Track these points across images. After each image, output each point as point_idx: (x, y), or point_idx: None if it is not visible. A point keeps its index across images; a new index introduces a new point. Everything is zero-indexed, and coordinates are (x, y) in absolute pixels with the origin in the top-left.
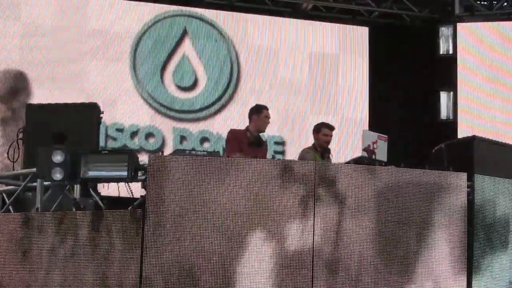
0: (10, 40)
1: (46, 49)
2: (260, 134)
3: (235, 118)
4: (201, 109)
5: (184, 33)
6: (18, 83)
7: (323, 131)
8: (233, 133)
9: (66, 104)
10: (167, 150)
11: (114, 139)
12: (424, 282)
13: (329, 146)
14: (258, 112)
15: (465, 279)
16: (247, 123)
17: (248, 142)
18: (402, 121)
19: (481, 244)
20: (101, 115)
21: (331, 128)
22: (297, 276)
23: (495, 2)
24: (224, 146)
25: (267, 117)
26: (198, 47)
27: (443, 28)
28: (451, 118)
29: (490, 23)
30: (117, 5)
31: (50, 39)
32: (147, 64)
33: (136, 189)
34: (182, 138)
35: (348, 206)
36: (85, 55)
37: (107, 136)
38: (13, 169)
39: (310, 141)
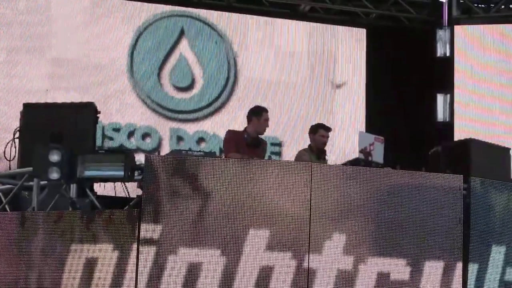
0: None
1: (41, 49)
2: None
3: (232, 118)
4: (198, 110)
5: (182, 33)
6: None
7: (319, 132)
8: (231, 134)
9: (62, 104)
10: (164, 150)
11: (111, 138)
12: (420, 284)
13: (326, 147)
14: (258, 115)
15: (461, 281)
16: (244, 123)
17: (246, 143)
18: (399, 123)
19: (477, 247)
20: (98, 115)
21: (328, 129)
22: (295, 275)
23: (493, 5)
24: (221, 147)
25: (267, 120)
26: (195, 48)
27: (440, 30)
28: (447, 120)
29: (487, 25)
30: (115, 4)
31: (46, 39)
32: (145, 64)
33: (133, 189)
34: (179, 138)
35: (344, 207)
36: (82, 54)
37: (103, 135)
38: (9, 168)
39: (306, 142)
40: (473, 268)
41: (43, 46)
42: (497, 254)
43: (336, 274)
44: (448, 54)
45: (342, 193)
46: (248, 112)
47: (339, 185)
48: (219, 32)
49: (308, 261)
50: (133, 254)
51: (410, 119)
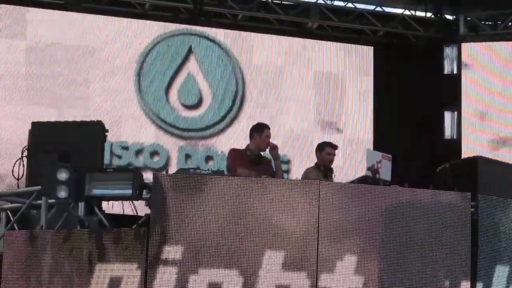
0: (16, 55)
1: (51, 68)
2: (261, 152)
3: (239, 137)
4: (206, 128)
5: (190, 51)
6: None
7: (326, 150)
8: (233, 152)
9: (70, 122)
10: (172, 168)
11: (119, 157)
12: None
13: (333, 165)
14: (259, 132)
15: None
16: None
17: (249, 160)
18: (406, 141)
19: (486, 264)
20: (106, 133)
21: (335, 147)
22: None
23: (500, 22)
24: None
25: (268, 136)
26: (203, 66)
27: (447, 48)
28: (455, 137)
29: (494, 43)
30: (123, 23)
31: (56, 58)
32: (152, 82)
33: (141, 207)
34: (187, 157)
35: (352, 226)
36: (90, 73)
37: (111, 154)
38: (18, 187)
39: (314, 160)
40: (481, 286)
41: (53, 71)
42: (502, 272)
43: None
44: (455, 72)
45: (350, 211)
46: (250, 129)
47: (347, 203)
48: (227, 50)
49: (317, 278)
50: (142, 273)
51: (417, 137)
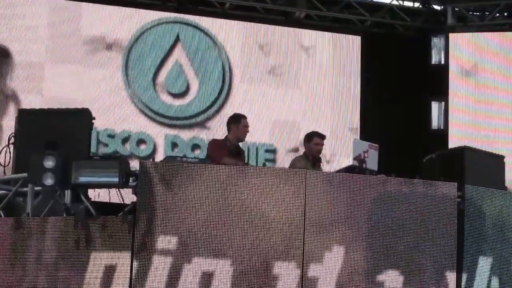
0: None
1: (38, 52)
2: (239, 143)
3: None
4: (193, 116)
5: (177, 40)
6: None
7: (314, 140)
8: (214, 142)
9: (57, 110)
10: (159, 157)
11: (106, 145)
12: None
13: (320, 155)
14: (237, 122)
15: None
16: None
17: (228, 151)
18: (393, 131)
19: (472, 254)
20: (93, 121)
21: (323, 137)
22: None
23: (487, 13)
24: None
25: (246, 126)
26: (190, 54)
27: (435, 38)
28: (442, 127)
29: (482, 33)
30: (110, 12)
31: (43, 43)
32: (139, 70)
33: (127, 195)
34: (174, 145)
35: (339, 215)
36: (76, 61)
37: (98, 142)
38: (4, 174)
39: (301, 149)
40: (463, 278)
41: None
42: (485, 263)
43: (335, 284)
44: (443, 62)
45: (337, 201)
46: (227, 120)
47: (334, 192)
48: (214, 39)
49: (302, 268)
50: (128, 260)
51: (404, 127)
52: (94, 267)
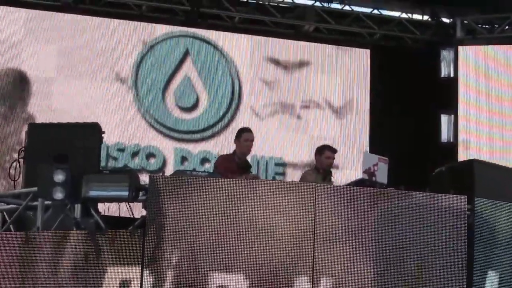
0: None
1: (49, 68)
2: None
3: None
4: (202, 130)
5: (186, 53)
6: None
7: (325, 153)
8: (221, 159)
9: (67, 124)
10: (168, 170)
11: (115, 159)
12: None
13: (331, 168)
14: (238, 137)
15: None
16: None
17: (237, 166)
18: (402, 143)
19: (481, 267)
20: (102, 135)
21: (334, 150)
22: None
23: (497, 26)
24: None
25: (247, 140)
26: (200, 68)
27: (444, 51)
28: (451, 140)
29: (491, 46)
30: (120, 25)
31: (54, 58)
32: (149, 84)
33: (137, 209)
34: (183, 159)
35: (348, 228)
36: (86, 75)
37: (108, 156)
38: (14, 188)
39: (311, 162)
40: None
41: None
42: (494, 277)
43: None
44: (452, 75)
45: (346, 214)
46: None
47: (343, 206)
48: (222, 52)
49: (312, 282)
50: (137, 274)
51: (414, 140)
52: (104, 281)
